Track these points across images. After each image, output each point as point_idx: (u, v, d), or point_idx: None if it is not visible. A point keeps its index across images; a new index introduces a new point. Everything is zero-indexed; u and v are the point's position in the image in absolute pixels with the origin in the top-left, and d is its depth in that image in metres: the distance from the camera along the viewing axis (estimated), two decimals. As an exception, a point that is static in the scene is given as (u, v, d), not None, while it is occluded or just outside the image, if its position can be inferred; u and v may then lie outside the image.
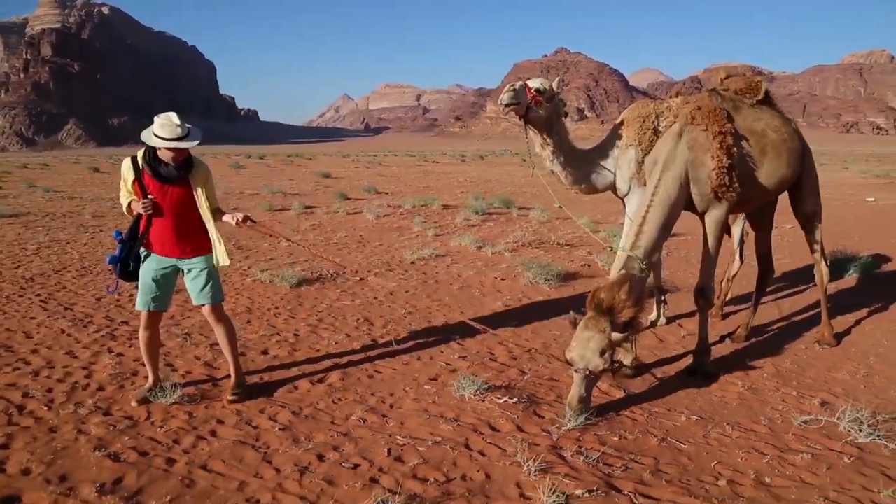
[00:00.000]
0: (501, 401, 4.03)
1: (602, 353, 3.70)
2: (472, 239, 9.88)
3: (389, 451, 3.44)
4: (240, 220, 4.02)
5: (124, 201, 3.94)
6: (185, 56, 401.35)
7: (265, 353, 5.06)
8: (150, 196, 3.82)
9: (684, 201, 4.52)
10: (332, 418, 3.86)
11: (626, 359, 4.56)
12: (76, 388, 4.28)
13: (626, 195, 5.18)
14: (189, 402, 4.05)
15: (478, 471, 3.23)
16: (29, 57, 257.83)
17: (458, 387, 4.18)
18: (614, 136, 5.20)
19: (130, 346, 5.15)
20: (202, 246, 4.01)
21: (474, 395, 4.07)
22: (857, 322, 6.07)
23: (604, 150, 5.23)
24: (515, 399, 4.06)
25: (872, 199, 18.07)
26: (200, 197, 3.96)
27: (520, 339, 5.47)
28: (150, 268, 3.96)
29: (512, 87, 4.61)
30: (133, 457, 3.37)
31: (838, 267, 7.89)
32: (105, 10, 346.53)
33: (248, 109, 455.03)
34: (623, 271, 4.06)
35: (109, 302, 6.55)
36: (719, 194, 4.47)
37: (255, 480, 3.15)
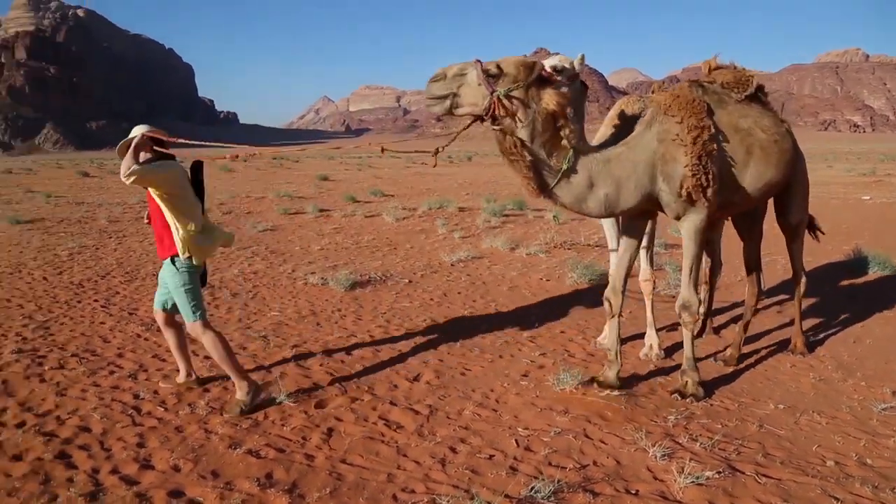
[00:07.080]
0: (604, 394, 4.27)
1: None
2: (504, 241, 10.10)
3: (517, 441, 3.65)
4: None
5: None
6: (162, 59, 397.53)
7: (349, 353, 5.24)
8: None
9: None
10: (447, 414, 4.07)
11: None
12: (181, 390, 4.44)
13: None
14: (300, 402, 4.22)
15: (607, 457, 3.46)
16: (3, 61, 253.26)
17: (556, 381, 4.40)
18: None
19: (215, 350, 5.30)
20: (171, 244, 4.02)
21: (576, 389, 4.30)
22: (897, 316, 6.38)
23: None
24: (616, 392, 4.30)
25: (868, 197, 18.61)
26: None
27: (587, 336, 5.71)
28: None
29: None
30: (272, 454, 3.54)
31: (861, 264, 8.22)
32: (80, 13, 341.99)
33: (228, 112, 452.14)
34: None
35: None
36: (694, 197, 3.97)
37: (401, 472, 3.34)
